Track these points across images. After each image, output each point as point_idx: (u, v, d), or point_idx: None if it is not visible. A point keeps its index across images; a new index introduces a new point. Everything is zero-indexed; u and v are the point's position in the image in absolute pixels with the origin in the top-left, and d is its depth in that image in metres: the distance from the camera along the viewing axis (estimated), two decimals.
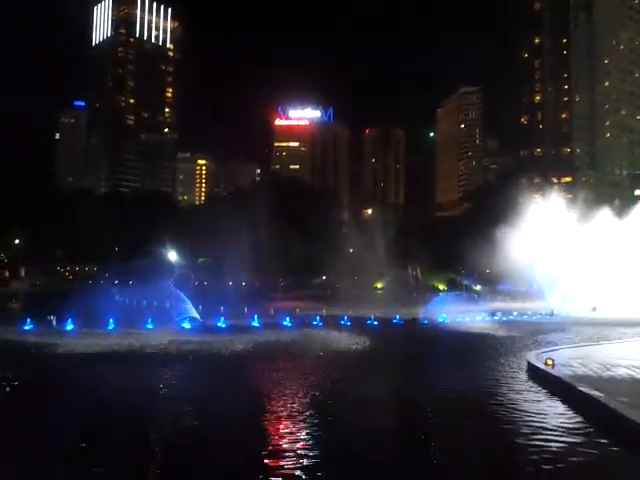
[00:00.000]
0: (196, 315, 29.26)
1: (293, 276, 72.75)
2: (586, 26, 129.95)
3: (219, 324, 27.67)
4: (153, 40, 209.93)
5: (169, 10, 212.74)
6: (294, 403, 12.06)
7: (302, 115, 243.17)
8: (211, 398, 12.87)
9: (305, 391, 13.54)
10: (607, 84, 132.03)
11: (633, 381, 12.88)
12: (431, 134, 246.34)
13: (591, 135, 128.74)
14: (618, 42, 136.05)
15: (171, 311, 29.72)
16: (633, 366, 14.69)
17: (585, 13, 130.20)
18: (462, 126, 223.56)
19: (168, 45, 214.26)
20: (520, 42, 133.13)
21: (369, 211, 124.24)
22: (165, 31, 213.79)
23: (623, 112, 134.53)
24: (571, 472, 7.88)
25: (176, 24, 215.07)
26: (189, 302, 29.98)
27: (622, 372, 13.94)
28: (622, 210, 52.71)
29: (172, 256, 71.15)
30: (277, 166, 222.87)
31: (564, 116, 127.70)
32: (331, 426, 10.60)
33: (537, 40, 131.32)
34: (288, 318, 29.25)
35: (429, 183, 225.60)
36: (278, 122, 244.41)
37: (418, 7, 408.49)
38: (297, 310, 34.94)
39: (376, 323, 29.93)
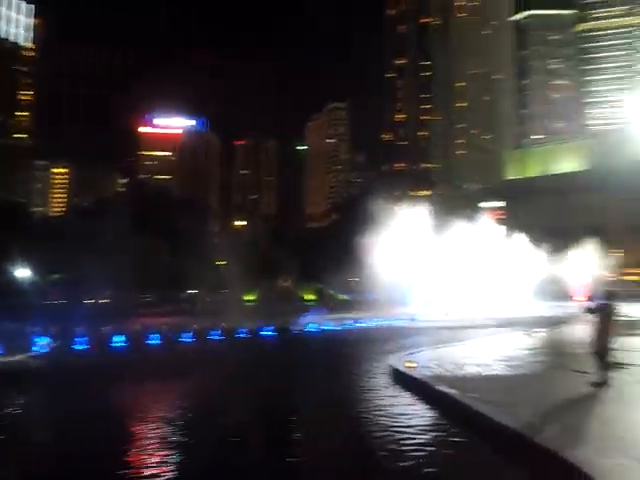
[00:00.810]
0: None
1: (160, 291, 69.65)
2: (445, 51, 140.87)
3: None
4: (12, 38, 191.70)
5: (32, 7, 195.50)
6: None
7: (171, 124, 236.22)
8: None
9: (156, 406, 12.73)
10: (462, 105, 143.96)
11: (482, 378, 13.74)
12: (302, 147, 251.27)
13: (447, 152, 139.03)
14: (472, 67, 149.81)
15: None
16: (481, 364, 15.79)
17: (445, 39, 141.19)
18: (331, 140, 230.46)
19: (26, 44, 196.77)
20: (386, 61, 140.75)
21: (241, 222, 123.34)
22: (28, 29, 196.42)
23: (474, 131, 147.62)
24: (429, 466, 8.14)
25: (39, 22, 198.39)
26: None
27: (473, 370, 14.85)
28: (472, 221, 57.34)
29: (22, 272, 64.84)
30: (144, 176, 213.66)
31: (423, 134, 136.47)
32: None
33: (402, 61, 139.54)
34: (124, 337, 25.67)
35: (300, 195, 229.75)
36: (144, 129, 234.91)
37: (290, 20, 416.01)
38: (162, 326, 33.11)
39: (244, 335, 29.40)
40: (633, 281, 73.15)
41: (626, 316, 17.17)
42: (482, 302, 42.52)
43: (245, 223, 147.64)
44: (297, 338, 29.95)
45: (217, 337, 28.37)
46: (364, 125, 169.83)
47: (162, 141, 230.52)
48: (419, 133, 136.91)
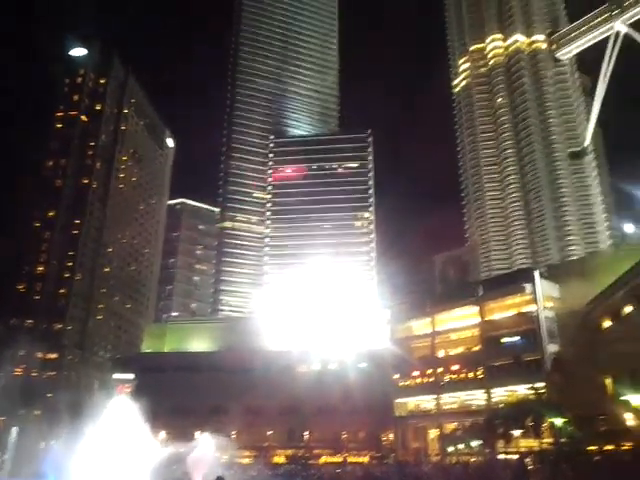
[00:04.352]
0: None
1: None
2: (100, 215, 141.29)
3: None
4: None
5: None
6: None
7: None
8: None
9: None
10: (107, 270, 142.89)
11: None
12: None
13: (86, 315, 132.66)
14: (123, 236, 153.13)
15: None
16: None
17: (100, 204, 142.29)
18: None
19: None
20: (37, 211, 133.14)
21: None
22: None
23: (116, 299, 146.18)
24: None
25: None
26: None
27: None
28: (103, 393, 54.35)
29: None
30: None
31: (62, 291, 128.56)
32: None
33: (51, 213, 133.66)
34: None
35: None
36: None
37: None
38: None
39: None
40: (245, 464, 77.75)
41: None
42: None
43: None
44: None
45: None
46: None
47: None
48: (58, 290, 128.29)
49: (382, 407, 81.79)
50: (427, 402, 79.24)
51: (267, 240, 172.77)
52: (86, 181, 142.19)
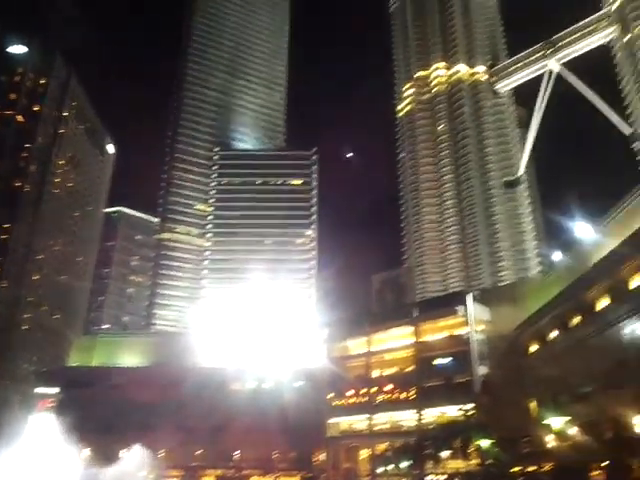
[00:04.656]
0: None
1: None
2: (31, 220, 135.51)
3: None
4: None
5: None
6: None
7: None
8: None
9: None
10: (36, 277, 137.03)
11: None
12: None
13: (9, 324, 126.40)
14: (55, 243, 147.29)
15: None
16: None
17: (33, 208, 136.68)
18: None
19: None
20: None
21: None
22: None
23: (44, 308, 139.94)
24: None
25: None
26: None
27: None
28: (24, 409, 51.66)
29: None
30: None
31: None
32: None
33: None
34: None
35: None
36: None
37: None
38: None
39: None
40: None
41: None
42: None
43: None
44: None
45: None
46: None
47: None
48: None
49: (315, 427, 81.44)
50: (360, 422, 79.52)
51: (207, 254, 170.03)
52: (19, 184, 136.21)
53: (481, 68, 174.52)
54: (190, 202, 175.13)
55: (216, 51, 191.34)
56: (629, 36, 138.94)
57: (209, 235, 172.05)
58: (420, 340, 75.24)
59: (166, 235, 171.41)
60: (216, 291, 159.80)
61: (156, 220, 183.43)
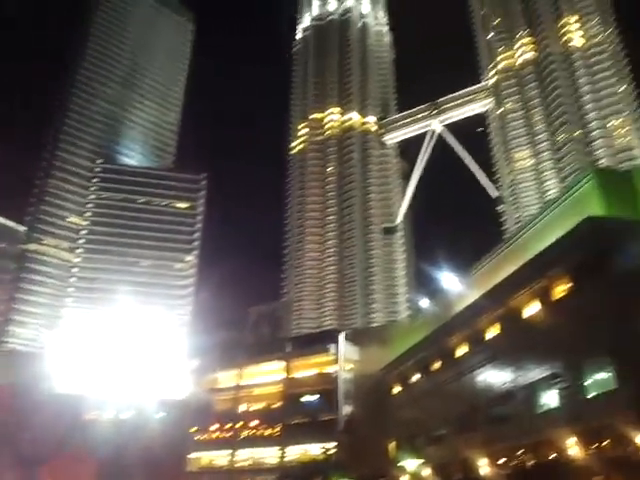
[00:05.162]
0: None
1: None
2: None
3: None
4: None
5: None
6: None
7: None
8: None
9: None
10: None
11: None
12: None
13: None
14: None
15: None
16: None
17: None
18: None
19: None
20: None
21: None
22: None
23: None
24: None
25: None
26: None
27: None
28: None
29: None
30: None
31: None
32: None
33: None
34: None
35: None
36: None
37: None
38: None
39: None
40: None
41: None
42: None
43: None
44: None
45: None
46: None
47: None
48: None
49: (177, 461, 77.86)
50: (221, 457, 77.39)
51: (74, 270, 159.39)
52: None
53: (372, 118, 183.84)
54: (63, 213, 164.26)
55: (112, 61, 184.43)
56: (502, 109, 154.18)
57: (80, 250, 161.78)
58: (290, 376, 75.43)
59: (32, 246, 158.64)
60: (80, 311, 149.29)
61: (22, 229, 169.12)
